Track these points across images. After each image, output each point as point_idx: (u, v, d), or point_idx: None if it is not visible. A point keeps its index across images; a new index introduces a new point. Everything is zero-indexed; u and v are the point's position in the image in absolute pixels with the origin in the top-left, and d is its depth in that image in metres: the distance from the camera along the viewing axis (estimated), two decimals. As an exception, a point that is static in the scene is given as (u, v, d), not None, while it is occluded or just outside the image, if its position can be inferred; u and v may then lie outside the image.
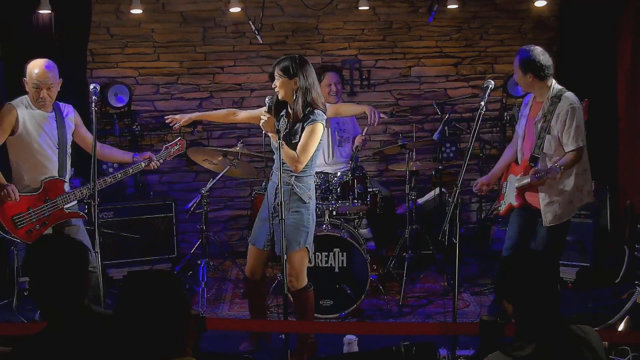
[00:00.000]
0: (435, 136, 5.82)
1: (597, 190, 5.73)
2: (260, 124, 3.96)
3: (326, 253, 4.92)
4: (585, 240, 5.52)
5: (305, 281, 4.21)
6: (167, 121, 4.54)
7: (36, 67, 4.23)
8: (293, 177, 4.07)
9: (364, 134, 5.57)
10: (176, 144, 4.66)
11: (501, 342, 3.01)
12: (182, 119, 4.50)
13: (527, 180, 4.27)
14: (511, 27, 6.89)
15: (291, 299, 4.29)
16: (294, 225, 4.08)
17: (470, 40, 6.89)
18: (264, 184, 5.60)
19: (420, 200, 6.14)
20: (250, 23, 6.03)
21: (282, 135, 3.90)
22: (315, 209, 5.00)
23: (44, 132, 4.31)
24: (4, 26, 5.60)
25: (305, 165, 4.05)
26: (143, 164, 4.50)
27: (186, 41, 6.56)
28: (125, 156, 4.64)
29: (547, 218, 4.32)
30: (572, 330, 2.31)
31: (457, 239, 3.72)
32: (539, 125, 4.29)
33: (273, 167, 4.21)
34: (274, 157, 4.17)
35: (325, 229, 4.97)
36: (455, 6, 6.48)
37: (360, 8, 6.39)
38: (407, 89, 6.90)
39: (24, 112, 4.27)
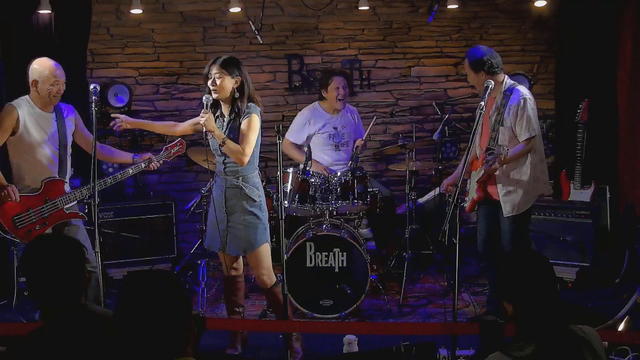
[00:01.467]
0: (435, 136, 5.82)
1: (597, 190, 5.76)
2: (202, 123, 3.98)
3: (326, 253, 4.92)
4: (585, 240, 5.52)
5: (274, 276, 4.27)
6: (111, 123, 4.42)
7: (47, 66, 4.24)
8: (240, 178, 4.11)
9: (364, 137, 5.60)
10: (176, 145, 4.64)
11: (501, 342, 3.01)
12: (126, 122, 4.39)
13: (480, 171, 4.35)
14: (511, 27, 6.89)
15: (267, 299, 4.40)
16: (250, 226, 4.12)
17: (470, 40, 6.88)
18: (263, 183, 5.61)
19: (420, 200, 6.14)
20: (250, 23, 6.04)
21: (225, 133, 4.01)
22: (315, 209, 5.04)
23: (44, 132, 4.30)
24: (4, 26, 5.60)
25: (249, 163, 4.09)
26: (143, 165, 4.49)
27: (186, 41, 6.56)
28: (125, 157, 4.63)
29: (506, 208, 4.42)
30: (572, 331, 2.31)
31: (457, 239, 3.73)
32: (493, 119, 4.39)
33: (217, 170, 4.23)
34: (216, 160, 4.21)
35: (325, 229, 4.97)
36: (455, 6, 6.48)
37: (360, 8, 6.39)
38: (407, 89, 6.90)
39: (25, 112, 4.27)
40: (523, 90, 4.42)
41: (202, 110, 4.01)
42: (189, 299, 2.05)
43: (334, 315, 4.91)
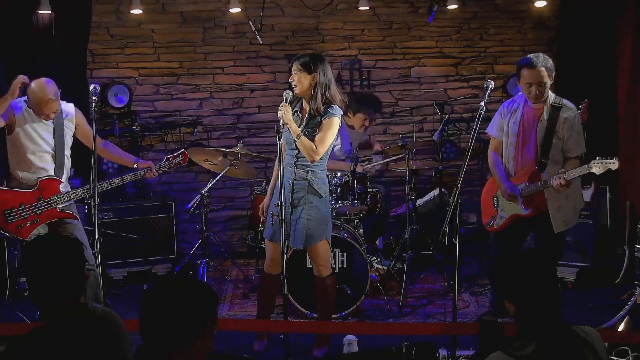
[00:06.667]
0: (435, 136, 5.81)
1: (597, 190, 5.75)
2: (279, 115, 4.00)
3: (326, 253, 4.91)
4: (585, 240, 5.52)
5: (330, 269, 4.40)
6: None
7: (40, 93, 4.16)
8: (309, 172, 4.16)
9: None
10: (178, 156, 4.61)
11: (502, 342, 3.00)
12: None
13: (533, 186, 4.23)
14: (511, 27, 6.89)
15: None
16: (313, 220, 4.18)
17: (470, 40, 6.89)
18: (264, 184, 5.62)
19: (420, 201, 6.14)
20: (250, 23, 6.04)
21: (301, 128, 4.04)
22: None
23: (41, 133, 4.30)
24: (4, 26, 5.60)
25: (321, 159, 4.14)
26: (142, 172, 4.49)
27: (186, 41, 6.56)
28: (128, 159, 4.62)
29: (556, 225, 4.28)
30: (573, 331, 2.31)
31: (457, 239, 3.72)
32: (543, 131, 4.27)
33: (286, 163, 4.22)
34: (287, 153, 4.22)
35: (325, 229, 4.96)
36: (455, 6, 6.48)
37: (360, 8, 6.39)
38: (407, 89, 6.90)
39: (23, 112, 4.26)
40: (571, 104, 4.34)
41: (281, 104, 4.02)
42: (216, 300, 2.11)
43: (334, 315, 4.89)
